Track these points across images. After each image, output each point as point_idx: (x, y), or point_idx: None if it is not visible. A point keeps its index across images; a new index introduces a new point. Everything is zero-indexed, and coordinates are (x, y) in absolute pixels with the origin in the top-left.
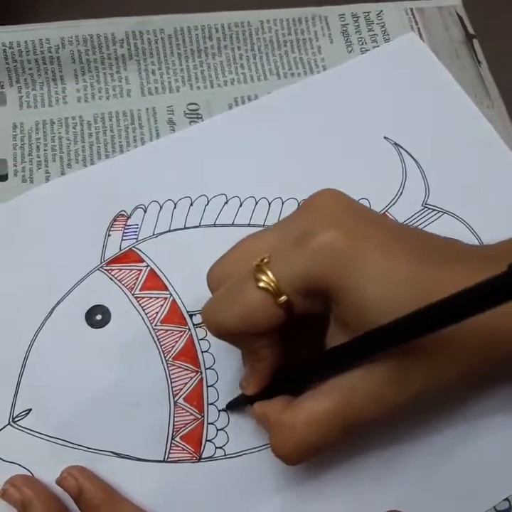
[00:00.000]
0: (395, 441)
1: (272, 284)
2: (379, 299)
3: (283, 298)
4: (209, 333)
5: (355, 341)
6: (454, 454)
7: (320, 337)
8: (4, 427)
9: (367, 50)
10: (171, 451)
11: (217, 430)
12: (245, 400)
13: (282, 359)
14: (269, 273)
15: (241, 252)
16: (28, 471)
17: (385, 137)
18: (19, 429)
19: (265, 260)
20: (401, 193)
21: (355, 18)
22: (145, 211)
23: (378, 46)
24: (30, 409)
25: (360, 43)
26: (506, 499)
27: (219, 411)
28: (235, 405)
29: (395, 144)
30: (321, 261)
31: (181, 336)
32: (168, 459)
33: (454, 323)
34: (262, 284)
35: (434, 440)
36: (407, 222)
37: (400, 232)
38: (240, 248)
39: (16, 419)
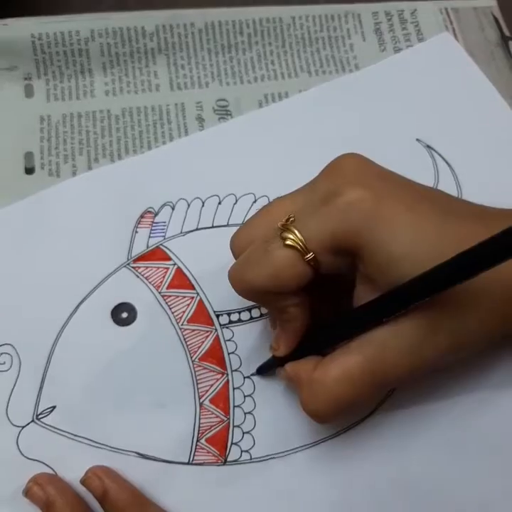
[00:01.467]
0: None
1: (300, 242)
2: (405, 255)
3: (310, 255)
4: (235, 335)
5: (383, 297)
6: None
7: (347, 299)
8: (28, 424)
9: (400, 49)
10: (196, 454)
11: (244, 433)
12: (275, 363)
13: (310, 320)
14: (295, 231)
15: (265, 216)
16: (52, 469)
17: (417, 139)
18: (43, 427)
19: (291, 219)
20: None
21: (389, 17)
22: (173, 209)
23: (412, 45)
24: (55, 407)
25: (394, 41)
26: None
27: (245, 414)
28: (265, 369)
29: (428, 146)
30: (348, 218)
31: (208, 336)
32: (193, 462)
33: (477, 273)
34: (289, 242)
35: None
36: None
37: (424, 192)
38: (264, 213)
39: (40, 417)
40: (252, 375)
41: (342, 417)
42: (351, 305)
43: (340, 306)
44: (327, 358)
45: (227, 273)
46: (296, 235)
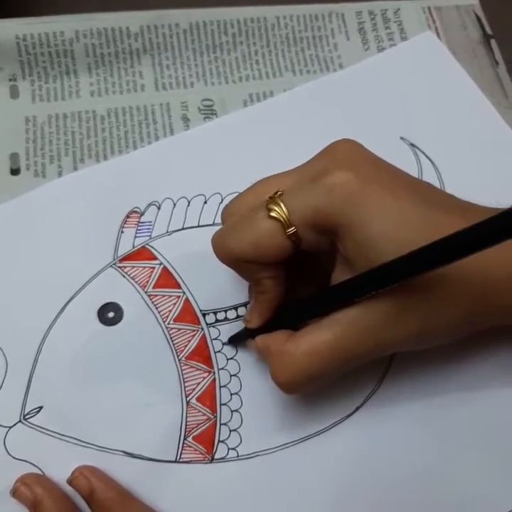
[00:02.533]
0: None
1: (283, 215)
2: (384, 238)
3: (292, 229)
4: (222, 333)
5: (356, 278)
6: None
7: (326, 280)
8: (15, 425)
9: (383, 49)
10: (183, 452)
11: (230, 431)
12: (247, 335)
13: (286, 296)
14: (281, 204)
15: (257, 190)
16: (39, 469)
17: (401, 137)
18: (30, 427)
19: (279, 193)
20: None
21: (372, 16)
22: (159, 208)
23: (395, 44)
24: (42, 407)
25: (377, 41)
26: None
27: (232, 411)
28: (237, 340)
29: (411, 144)
30: (332, 197)
31: (194, 335)
32: (180, 460)
33: (450, 261)
34: (273, 214)
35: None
36: None
37: (412, 182)
38: (256, 187)
39: (27, 417)
40: (224, 344)
41: (308, 390)
42: (328, 285)
43: (318, 286)
44: (299, 332)
45: (211, 237)
46: (281, 207)
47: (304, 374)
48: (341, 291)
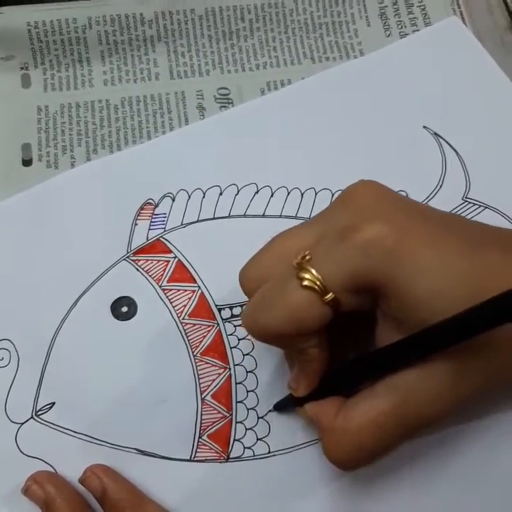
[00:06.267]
0: (447, 442)
1: (318, 282)
2: (435, 292)
3: (330, 295)
4: (238, 329)
5: (411, 339)
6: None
7: (366, 334)
8: (27, 421)
9: (406, 34)
10: (198, 450)
11: (246, 430)
12: (293, 401)
13: (330, 359)
14: (312, 270)
15: (276, 250)
16: (51, 466)
17: (424, 126)
18: (42, 423)
19: (307, 257)
20: (440, 186)
21: (394, 1)
22: (173, 200)
23: (418, 30)
24: (54, 403)
25: (399, 26)
26: None
27: (248, 410)
28: (283, 406)
29: (435, 133)
30: (368, 256)
31: (209, 330)
32: (195, 458)
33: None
34: (306, 283)
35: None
36: None
37: (446, 221)
38: (274, 247)
39: (39, 413)
40: (269, 411)
41: (369, 464)
42: (372, 342)
43: (359, 341)
44: (350, 402)
45: (241, 315)
46: (313, 274)
47: (360, 450)
48: (396, 353)
